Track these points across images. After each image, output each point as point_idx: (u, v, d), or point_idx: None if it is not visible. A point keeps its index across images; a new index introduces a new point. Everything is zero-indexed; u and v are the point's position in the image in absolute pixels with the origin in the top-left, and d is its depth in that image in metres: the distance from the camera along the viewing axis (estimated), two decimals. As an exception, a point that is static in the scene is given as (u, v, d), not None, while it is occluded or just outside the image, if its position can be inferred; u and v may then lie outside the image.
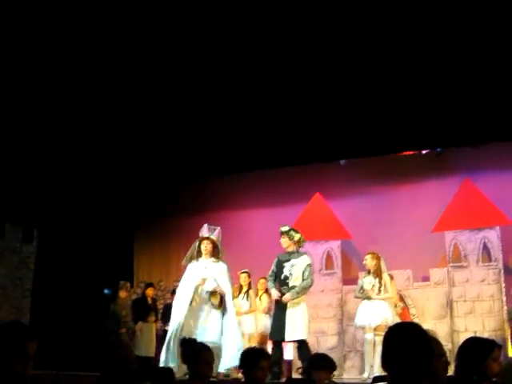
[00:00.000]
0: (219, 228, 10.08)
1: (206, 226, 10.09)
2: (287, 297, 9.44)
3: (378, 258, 10.48)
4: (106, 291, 14.20)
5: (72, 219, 14.14)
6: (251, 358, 5.06)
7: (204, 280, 9.69)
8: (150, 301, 13.29)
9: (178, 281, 11.00)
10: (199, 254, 9.98)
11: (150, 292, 13.37)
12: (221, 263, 9.89)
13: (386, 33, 8.36)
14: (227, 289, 9.80)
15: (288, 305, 9.45)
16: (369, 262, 10.47)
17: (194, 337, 9.13)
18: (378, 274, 10.36)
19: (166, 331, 12.73)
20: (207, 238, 9.97)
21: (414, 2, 7.78)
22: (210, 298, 9.73)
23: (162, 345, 13.06)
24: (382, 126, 10.07)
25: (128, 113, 10.22)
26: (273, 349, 9.51)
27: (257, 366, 4.98)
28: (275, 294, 9.65)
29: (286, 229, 9.92)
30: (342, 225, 13.20)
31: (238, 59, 9.02)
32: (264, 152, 10.99)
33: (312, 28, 8.44)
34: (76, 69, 9.11)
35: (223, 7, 7.87)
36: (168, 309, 12.64)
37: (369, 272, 10.51)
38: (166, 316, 12.78)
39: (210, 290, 9.67)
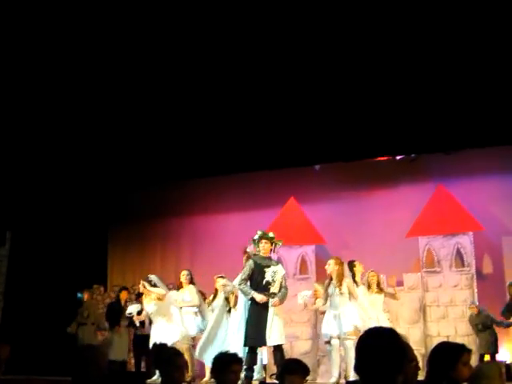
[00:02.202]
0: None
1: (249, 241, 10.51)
2: (276, 301, 9.40)
3: (339, 264, 10.36)
4: (79, 295, 14.10)
5: (45, 222, 14.04)
6: (223, 361, 5.04)
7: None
8: (123, 304, 13.21)
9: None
10: None
11: (123, 296, 13.28)
12: None
13: (361, 41, 8.44)
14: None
15: (269, 310, 9.41)
16: (331, 267, 10.33)
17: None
18: (339, 279, 10.23)
19: (136, 336, 12.71)
20: (245, 252, 10.51)
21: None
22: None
23: (133, 349, 13.11)
24: (356, 132, 10.12)
25: (102, 115, 10.19)
26: (248, 353, 9.44)
27: (229, 370, 4.95)
28: (262, 297, 9.47)
29: (272, 235, 9.94)
30: (317, 229, 13.22)
31: (212, 65, 9.06)
32: (239, 156, 10.99)
33: (289, 41, 8.52)
34: (49, 76, 9.10)
35: (222, 7, 7.90)
36: (139, 313, 12.58)
37: (330, 278, 10.36)
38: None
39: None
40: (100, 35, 8.56)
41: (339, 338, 10.07)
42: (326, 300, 10.46)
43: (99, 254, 15.29)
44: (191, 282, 11.66)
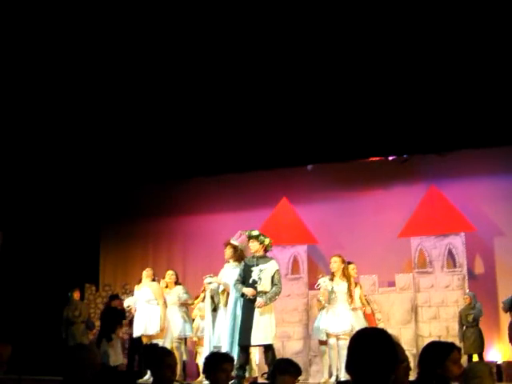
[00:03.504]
0: (245, 235, 10.14)
1: (238, 232, 10.31)
2: (261, 302, 9.37)
3: (345, 262, 10.39)
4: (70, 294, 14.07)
5: (37, 221, 14.00)
6: (215, 361, 5.06)
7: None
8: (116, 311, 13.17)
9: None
10: (227, 260, 10.38)
11: (116, 303, 13.23)
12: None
13: (353, 42, 8.46)
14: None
15: (256, 309, 9.41)
16: (337, 265, 10.30)
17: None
18: (348, 278, 10.24)
19: (130, 336, 12.71)
20: (228, 244, 10.28)
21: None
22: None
23: (131, 349, 13.08)
24: (349, 132, 10.14)
25: (93, 114, 10.18)
26: (240, 352, 9.46)
27: (220, 369, 4.98)
28: (250, 290, 9.49)
29: (256, 233, 9.89)
30: (309, 230, 13.22)
31: (206, 67, 9.07)
32: (231, 156, 10.99)
33: (283, 43, 8.53)
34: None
35: (222, 8, 7.91)
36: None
37: (332, 275, 10.34)
38: (130, 320, 12.74)
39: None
40: (99, 33, 8.57)
41: (337, 337, 10.06)
42: (328, 298, 10.45)
43: (91, 253, 15.27)
44: (177, 282, 11.61)
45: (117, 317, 12.98)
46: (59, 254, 14.17)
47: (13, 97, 9.89)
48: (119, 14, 8.21)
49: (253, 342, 9.34)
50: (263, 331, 9.34)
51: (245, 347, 9.42)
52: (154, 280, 11.07)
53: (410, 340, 11.84)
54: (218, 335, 10.19)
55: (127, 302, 11.57)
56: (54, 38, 8.64)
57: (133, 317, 11.86)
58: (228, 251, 10.24)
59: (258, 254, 9.72)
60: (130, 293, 12.09)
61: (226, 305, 10.11)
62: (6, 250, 14.31)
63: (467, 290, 11.96)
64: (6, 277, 14.12)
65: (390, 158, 12.86)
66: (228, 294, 10.06)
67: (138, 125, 10.52)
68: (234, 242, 10.23)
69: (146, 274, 11.04)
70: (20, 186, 12.31)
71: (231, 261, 10.23)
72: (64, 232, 14.33)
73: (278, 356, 9.76)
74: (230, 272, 10.06)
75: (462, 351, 11.15)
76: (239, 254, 10.18)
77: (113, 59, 9.06)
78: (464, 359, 10.35)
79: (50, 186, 12.39)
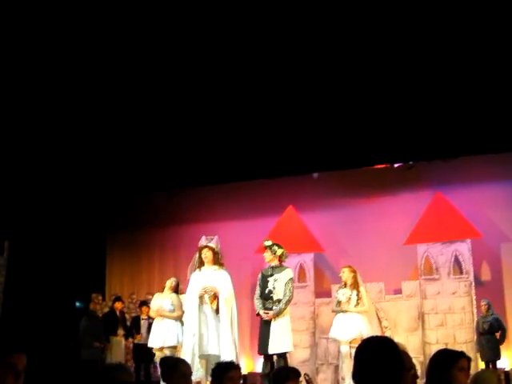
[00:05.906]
0: (217, 236, 9.96)
1: (203, 237, 10.01)
2: (269, 315, 9.42)
3: (354, 272, 10.48)
4: (77, 304, 14.08)
5: (43, 231, 14.01)
6: (221, 370, 5.05)
7: (205, 289, 9.54)
8: (118, 314, 13.22)
9: (150, 293, 11.01)
10: (202, 263, 9.78)
11: (118, 305, 13.28)
12: (223, 271, 9.73)
13: (358, 49, 8.47)
14: (226, 295, 9.59)
15: (273, 318, 9.46)
16: (346, 274, 10.44)
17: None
18: (355, 286, 10.34)
19: (134, 344, 12.73)
20: (206, 247, 9.78)
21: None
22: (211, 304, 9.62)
23: (133, 358, 13.07)
24: (354, 140, 10.14)
25: (99, 124, 10.20)
26: (263, 362, 9.55)
27: (227, 377, 4.96)
28: (264, 315, 9.53)
29: (268, 243, 9.85)
30: (315, 238, 13.22)
31: (210, 74, 9.09)
32: (237, 164, 11.00)
33: (286, 51, 8.56)
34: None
35: (222, 12, 7.94)
36: (136, 322, 12.63)
37: (345, 285, 10.47)
38: (135, 329, 12.76)
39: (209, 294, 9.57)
40: (101, 42, 8.58)
41: (350, 342, 10.10)
42: (336, 305, 10.49)
43: (97, 262, 15.27)
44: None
45: (117, 319, 13.05)
46: (65, 263, 14.17)
47: (18, 105, 9.92)
48: (122, 25, 8.23)
49: (270, 351, 9.38)
50: (279, 340, 9.39)
51: (268, 356, 9.48)
52: (177, 291, 10.84)
53: (417, 347, 11.81)
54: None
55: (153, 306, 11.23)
56: (56, 47, 8.65)
57: (132, 325, 11.86)
58: (208, 254, 9.68)
59: (273, 264, 9.75)
60: (137, 302, 11.97)
61: (217, 311, 9.49)
62: (12, 260, 14.32)
63: (474, 297, 11.96)
64: (12, 286, 14.12)
65: (396, 165, 12.85)
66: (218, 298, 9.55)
67: (143, 134, 10.54)
68: (211, 244, 9.91)
69: (170, 284, 10.75)
70: (26, 196, 12.33)
71: (210, 264, 9.71)
72: (70, 241, 14.33)
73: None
74: (215, 275, 9.64)
75: (479, 359, 11.19)
76: (218, 257, 9.88)
77: (120, 69, 9.09)
78: (474, 366, 10.32)
79: (56, 195, 12.41)
